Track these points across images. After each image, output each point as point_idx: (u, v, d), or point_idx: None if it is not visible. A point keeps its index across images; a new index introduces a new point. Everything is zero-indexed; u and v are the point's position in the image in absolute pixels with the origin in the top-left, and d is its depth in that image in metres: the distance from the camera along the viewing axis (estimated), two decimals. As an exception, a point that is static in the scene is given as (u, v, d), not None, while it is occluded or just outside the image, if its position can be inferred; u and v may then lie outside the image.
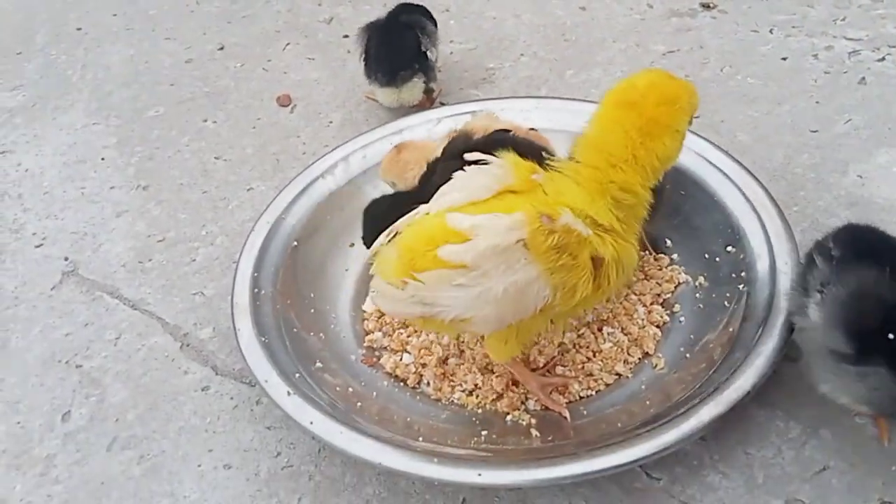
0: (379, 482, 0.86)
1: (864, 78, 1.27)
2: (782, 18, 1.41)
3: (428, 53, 1.26)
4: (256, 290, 0.97)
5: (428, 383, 0.93)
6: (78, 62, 1.53)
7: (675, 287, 0.99)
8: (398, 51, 1.25)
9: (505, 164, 0.78)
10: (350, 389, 0.90)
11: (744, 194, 0.99)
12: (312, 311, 0.99)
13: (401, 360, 0.95)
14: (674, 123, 0.75)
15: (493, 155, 0.78)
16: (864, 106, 1.22)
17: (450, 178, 0.80)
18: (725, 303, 0.93)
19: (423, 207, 0.80)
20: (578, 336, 0.95)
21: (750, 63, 1.33)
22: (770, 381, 0.83)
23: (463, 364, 0.94)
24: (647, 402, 0.85)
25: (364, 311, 1.01)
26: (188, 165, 1.29)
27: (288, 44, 1.51)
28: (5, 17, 1.67)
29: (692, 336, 0.93)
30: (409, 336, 0.97)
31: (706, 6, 1.46)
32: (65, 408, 0.97)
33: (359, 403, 0.88)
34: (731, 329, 0.88)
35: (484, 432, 0.86)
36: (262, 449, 0.91)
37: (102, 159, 1.32)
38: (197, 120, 1.37)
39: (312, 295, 1.01)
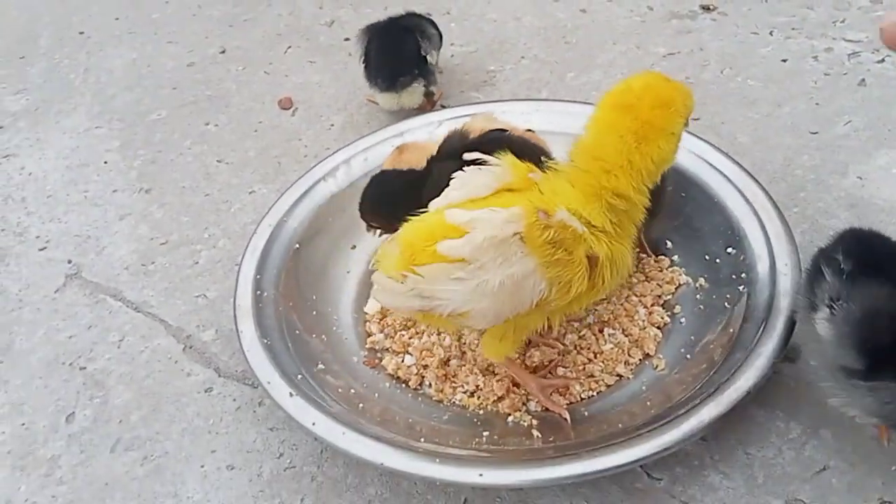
0: (381, 483, 0.86)
1: (863, 79, 1.27)
2: (782, 20, 1.41)
3: (428, 58, 1.26)
4: (259, 292, 0.97)
5: (430, 385, 0.94)
6: (81, 66, 1.54)
7: (676, 288, 0.99)
8: (398, 56, 1.25)
9: (503, 163, 0.78)
10: (352, 391, 0.91)
11: (744, 196, 0.99)
12: (314, 313, 1.00)
13: (403, 361, 0.96)
14: (669, 126, 0.76)
15: (491, 155, 0.79)
16: (864, 107, 1.23)
17: (448, 177, 0.80)
18: (726, 304, 0.93)
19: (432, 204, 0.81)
20: (579, 337, 0.95)
21: (750, 65, 1.33)
22: (770, 381, 0.83)
23: (464, 366, 0.94)
24: (648, 403, 0.86)
25: (366, 313, 1.02)
26: (190, 168, 1.29)
27: (289, 47, 1.52)
28: (9, 21, 1.68)
29: (693, 337, 0.93)
30: (410, 338, 0.98)
31: (706, 8, 1.47)
32: (69, 409, 0.98)
33: (361, 405, 0.88)
34: (731, 330, 0.89)
35: (485, 433, 0.86)
36: (264, 450, 0.91)
37: (105, 163, 1.33)
38: (199, 123, 1.38)
39: (314, 297, 1.02)
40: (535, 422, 0.88)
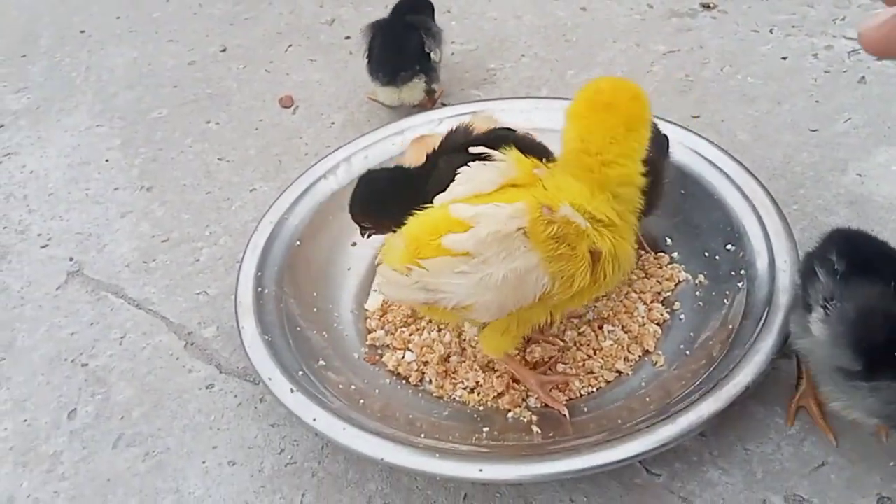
0: (381, 478, 0.87)
1: (863, 77, 1.27)
2: (782, 18, 1.42)
3: (432, 55, 1.27)
4: (260, 289, 0.98)
5: (430, 381, 0.94)
6: (82, 64, 1.54)
7: (676, 285, 1.00)
8: (401, 51, 1.26)
9: (508, 159, 0.79)
10: (353, 387, 0.91)
11: (743, 193, 0.99)
12: (315, 309, 1.00)
13: (403, 358, 0.96)
14: (647, 115, 0.78)
15: (496, 150, 0.80)
16: (864, 105, 1.23)
17: (453, 171, 0.81)
18: (725, 300, 0.93)
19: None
20: (579, 334, 0.96)
21: (750, 63, 1.34)
22: (769, 378, 0.84)
23: (465, 362, 0.95)
24: (647, 399, 0.86)
25: (366, 310, 1.02)
26: (191, 166, 1.30)
27: (290, 45, 1.52)
28: (9, 20, 1.69)
29: (692, 333, 0.94)
30: (411, 335, 0.98)
31: (706, 6, 1.47)
32: (71, 406, 0.98)
33: (361, 401, 0.89)
34: (730, 326, 0.89)
35: (485, 429, 0.87)
36: (265, 446, 0.91)
37: (106, 161, 1.33)
38: (200, 121, 1.38)
39: (315, 294, 1.02)
40: (534, 418, 0.88)
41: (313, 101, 1.39)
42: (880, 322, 0.72)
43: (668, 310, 0.97)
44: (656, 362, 0.92)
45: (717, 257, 0.98)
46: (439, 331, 0.97)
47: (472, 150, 0.81)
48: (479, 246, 0.74)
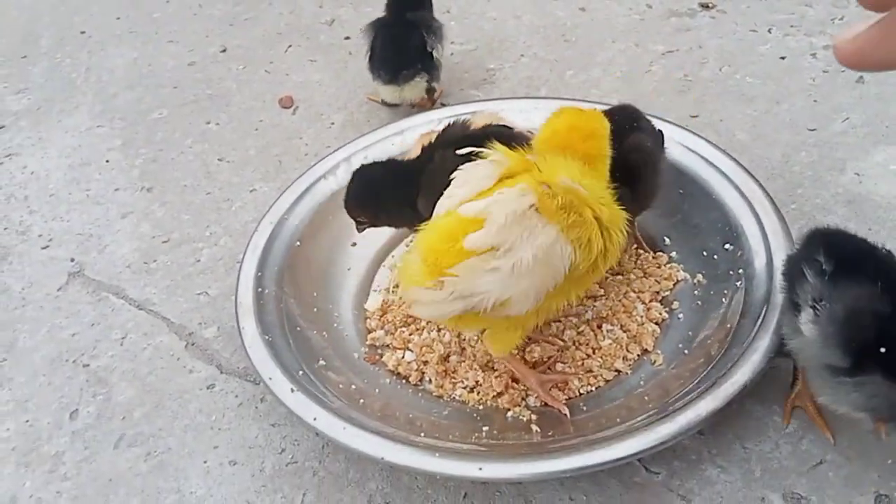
0: (382, 477, 0.87)
1: (861, 77, 1.28)
2: (781, 18, 1.42)
3: (434, 53, 1.27)
4: (260, 289, 0.98)
5: (430, 380, 0.94)
6: (82, 65, 1.55)
7: (674, 284, 1.00)
8: (403, 50, 1.26)
9: (498, 153, 0.80)
10: (353, 387, 0.91)
11: (741, 193, 1.00)
12: (315, 309, 1.01)
13: (403, 357, 0.97)
14: (603, 150, 0.82)
15: (483, 147, 0.80)
16: (862, 104, 1.23)
17: (447, 166, 0.81)
18: (723, 299, 0.94)
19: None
20: (578, 334, 0.96)
21: (748, 62, 1.34)
22: (767, 376, 0.84)
23: (464, 361, 0.95)
24: (646, 398, 0.87)
25: (366, 310, 1.03)
26: (192, 167, 1.30)
27: (290, 46, 1.53)
28: (10, 21, 1.69)
29: (690, 333, 0.94)
30: (410, 334, 0.99)
31: (705, 6, 1.47)
32: (72, 406, 0.99)
33: (361, 400, 0.89)
34: (728, 325, 0.89)
35: (485, 428, 0.87)
36: (266, 445, 0.92)
37: (107, 161, 1.34)
38: (200, 122, 1.39)
39: (315, 294, 1.02)
40: (534, 416, 0.89)
41: (313, 102, 1.39)
42: (869, 321, 0.73)
43: (667, 309, 0.98)
44: (655, 361, 0.93)
45: (715, 257, 0.99)
46: (439, 331, 0.98)
47: (460, 151, 0.81)
48: (501, 233, 0.74)
